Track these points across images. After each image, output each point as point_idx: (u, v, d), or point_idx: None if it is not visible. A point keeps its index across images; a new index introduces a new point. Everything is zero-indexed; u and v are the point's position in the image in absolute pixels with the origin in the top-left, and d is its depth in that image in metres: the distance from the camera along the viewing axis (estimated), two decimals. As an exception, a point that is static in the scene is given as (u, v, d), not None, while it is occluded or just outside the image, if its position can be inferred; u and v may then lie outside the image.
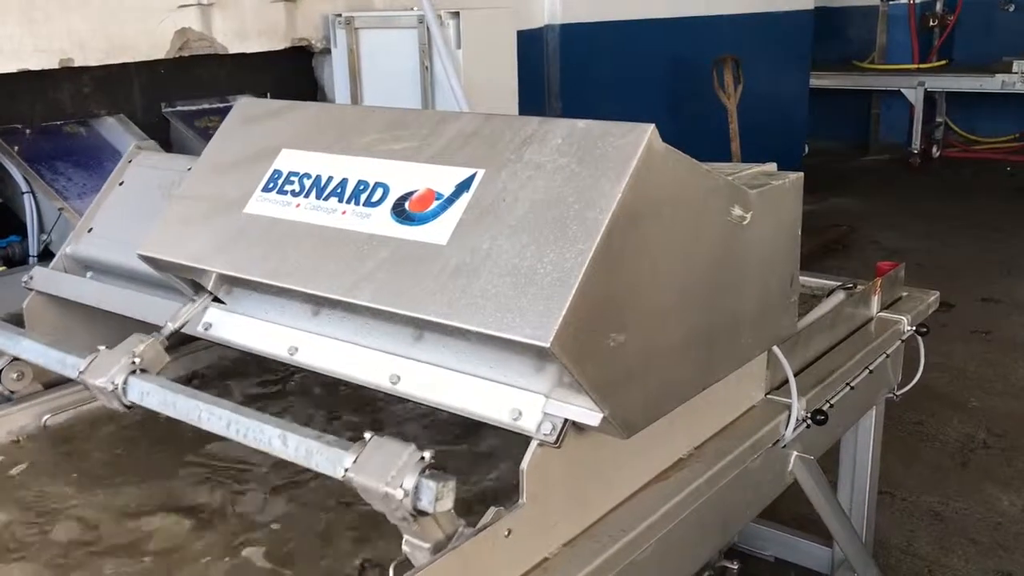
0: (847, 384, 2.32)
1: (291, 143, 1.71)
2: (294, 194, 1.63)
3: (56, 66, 3.31)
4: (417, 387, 1.50)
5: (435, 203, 1.47)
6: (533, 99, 5.36)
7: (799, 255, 1.87)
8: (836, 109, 9.96)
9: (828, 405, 2.21)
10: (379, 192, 1.54)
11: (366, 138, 1.64)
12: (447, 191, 1.47)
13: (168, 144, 3.79)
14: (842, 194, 8.38)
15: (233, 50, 3.84)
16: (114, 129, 3.65)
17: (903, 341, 2.59)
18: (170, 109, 3.82)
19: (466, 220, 1.42)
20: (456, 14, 3.63)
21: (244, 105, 1.87)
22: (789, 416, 2.01)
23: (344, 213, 1.54)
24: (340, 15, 3.96)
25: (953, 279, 6.00)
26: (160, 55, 3.62)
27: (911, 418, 4.06)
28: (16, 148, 3.28)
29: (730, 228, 1.60)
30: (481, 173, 1.46)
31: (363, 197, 1.55)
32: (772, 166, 1.93)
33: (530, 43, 5.26)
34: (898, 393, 2.76)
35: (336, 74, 4.06)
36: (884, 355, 2.50)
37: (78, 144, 3.49)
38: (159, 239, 1.75)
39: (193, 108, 3.90)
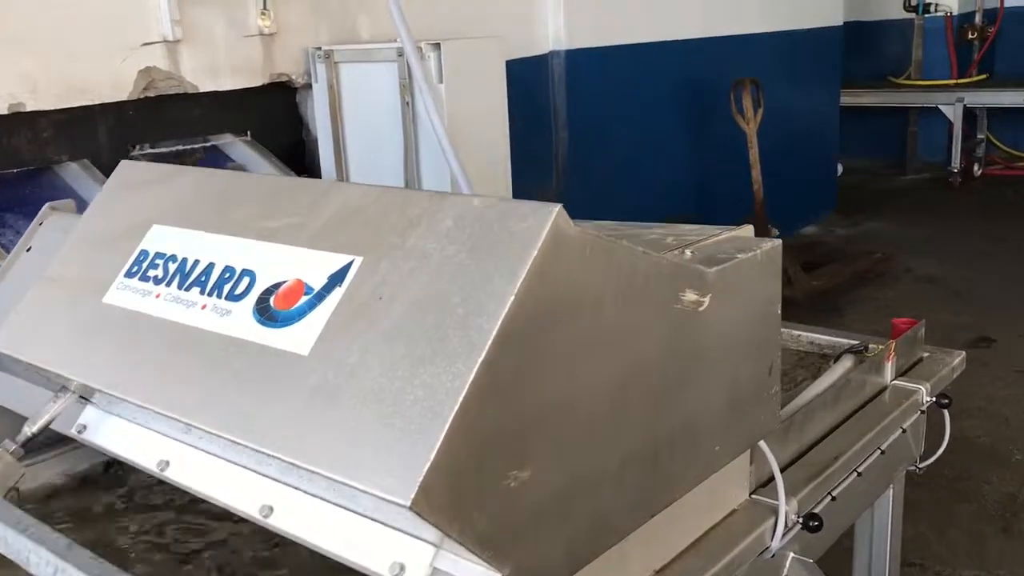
0: (854, 471, 2.00)
1: (164, 217, 1.45)
2: (156, 281, 1.36)
3: (5, 111, 3.10)
4: (291, 522, 1.22)
5: (303, 299, 1.19)
6: (539, 130, 5.09)
7: (779, 337, 1.56)
8: (871, 127, 9.57)
9: (830, 498, 1.90)
10: (244, 282, 1.27)
11: (242, 212, 1.37)
12: (318, 284, 1.19)
13: (137, 189, 3.57)
14: (877, 217, 7.99)
15: (204, 88, 3.62)
16: (78, 176, 3.43)
17: (923, 412, 2.26)
18: (140, 152, 3.60)
19: (335, 323, 1.14)
20: (437, 45, 3.37)
21: (124, 168, 1.61)
22: (777, 521, 1.69)
23: (204, 308, 1.27)
24: (320, 48, 3.72)
25: (995, 310, 5.60)
26: (123, 96, 3.40)
27: (944, 474, 3.69)
28: (-36, 200, 3.08)
29: (681, 317, 1.30)
30: (359, 262, 1.18)
31: (227, 288, 1.28)
32: (748, 229, 1.63)
33: (534, 71, 5.00)
34: (920, 466, 2.43)
35: (317, 111, 3.82)
36: (900, 430, 2.18)
37: (36, 193, 3.27)
38: (14, 330, 1.49)
39: (165, 151, 3.67)
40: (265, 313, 1.21)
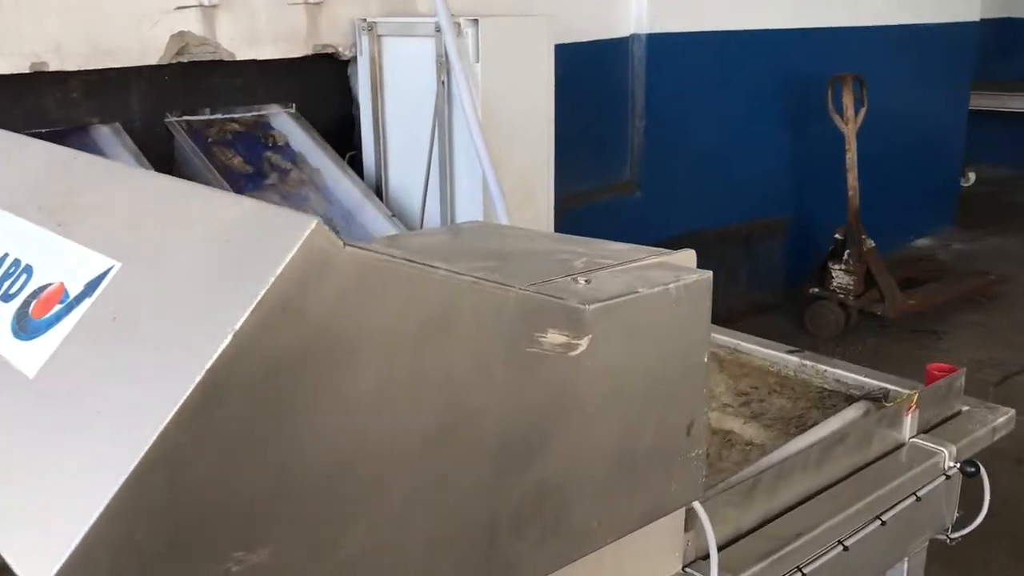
0: (838, 542, 1.68)
1: (-9, 195, 1.27)
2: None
3: (27, 70, 3.04)
4: None
5: (56, 308, 0.99)
6: (613, 117, 4.79)
7: (705, 390, 1.27)
8: (1014, 133, 8.79)
9: (799, 574, 1.60)
10: (21, 279, 1.08)
11: (57, 197, 1.18)
12: (75, 291, 0.99)
13: (171, 159, 3.49)
14: (1002, 232, 7.32)
15: (242, 56, 3.49)
16: (110, 140, 3.36)
17: (948, 476, 1.92)
18: (176, 119, 3.51)
19: (71, 342, 0.94)
20: (475, 21, 3.14)
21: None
22: (709, 604, 1.42)
23: (-22, 308, 1.09)
24: (364, 20, 3.54)
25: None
26: (153, 60, 3.31)
27: (974, 558, 3.22)
28: (-16, 158, 3.03)
29: (539, 363, 1.04)
30: (117, 268, 0.97)
31: (5, 285, 1.09)
32: (686, 256, 1.34)
33: (612, 54, 4.70)
34: (952, 536, 2.08)
35: (360, 86, 3.65)
36: (912, 497, 1.84)
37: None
38: None
39: (202, 119, 3.57)
40: (21, 321, 1.02)
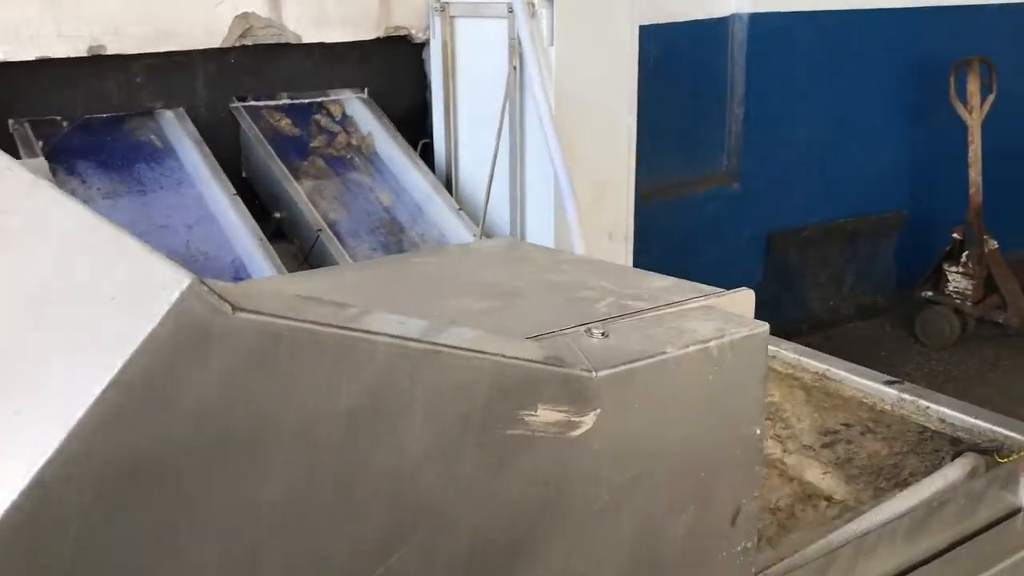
0: (934, 635, 1.40)
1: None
2: None
3: (85, 54, 2.94)
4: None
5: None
6: (709, 103, 4.47)
7: (757, 467, 1.02)
8: None
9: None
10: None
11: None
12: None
13: (236, 146, 3.36)
14: None
15: (309, 39, 3.33)
16: (172, 125, 3.25)
17: (1075, 551, 1.60)
18: (240, 104, 3.37)
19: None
20: (550, 1, 2.89)
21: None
22: None
23: None
24: (438, 0, 3.33)
25: None
26: (216, 43, 3.17)
27: None
28: (42, 143, 2.95)
29: (521, 449, 0.81)
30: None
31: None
32: (743, 298, 1.08)
33: (710, 35, 4.37)
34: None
35: (433, 71, 3.44)
36: (1029, 576, 1.54)
37: (120, 142, 3.11)
38: None
39: (271, 104, 3.43)
40: None
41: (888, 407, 2.01)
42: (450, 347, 0.74)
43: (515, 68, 3.01)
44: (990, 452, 1.66)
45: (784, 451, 1.85)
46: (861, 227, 5.05)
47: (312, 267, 3.01)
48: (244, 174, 3.37)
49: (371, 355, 0.70)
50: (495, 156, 3.02)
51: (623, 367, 0.87)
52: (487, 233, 3.21)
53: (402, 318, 0.74)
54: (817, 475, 1.77)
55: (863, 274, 5.15)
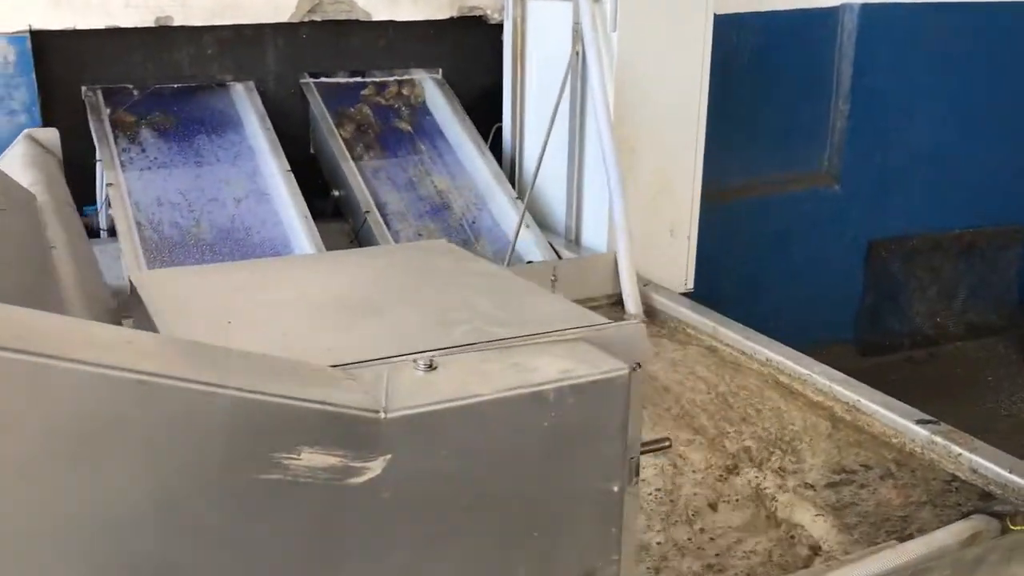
0: None
1: None
2: None
3: (152, 24, 2.98)
4: None
5: None
6: (812, 98, 4.19)
7: (616, 528, 0.88)
8: None
9: None
10: None
11: None
12: None
13: (305, 122, 3.35)
14: None
15: (379, 16, 3.28)
16: (242, 98, 3.27)
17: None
18: (310, 80, 3.36)
19: None
20: (615, -16, 2.74)
21: None
22: None
23: None
24: (512, -20, 3.22)
25: None
26: (284, 17, 3.16)
27: None
28: (110, 111, 3.01)
29: (283, 495, 0.71)
30: None
31: None
32: (633, 331, 0.95)
33: (816, 26, 4.10)
34: None
35: (504, 53, 3.33)
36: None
37: (186, 112, 3.15)
38: None
39: (341, 81, 3.41)
40: None
41: (917, 449, 1.82)
42: (171, 378, 0.65)
43: (577, 53, 2.87)
44: (1004, 516, 1.45)
45: (780, 487, 1.69)
46: (978, 239, 4.66)
47: (359, 245, 2.98)
48: (312, 150, 3.37)
49: (65, 383, 0.62)
50: (544, 144, 2.90)
51: (423, 408, 0.76)
52: (541, 224, 3.10)
53: (141, 342, 0.66)
54: (808, 518, 1.60)
55: (977, 290, 4.76)
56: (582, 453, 0.84)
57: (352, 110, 3.35)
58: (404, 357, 0.84)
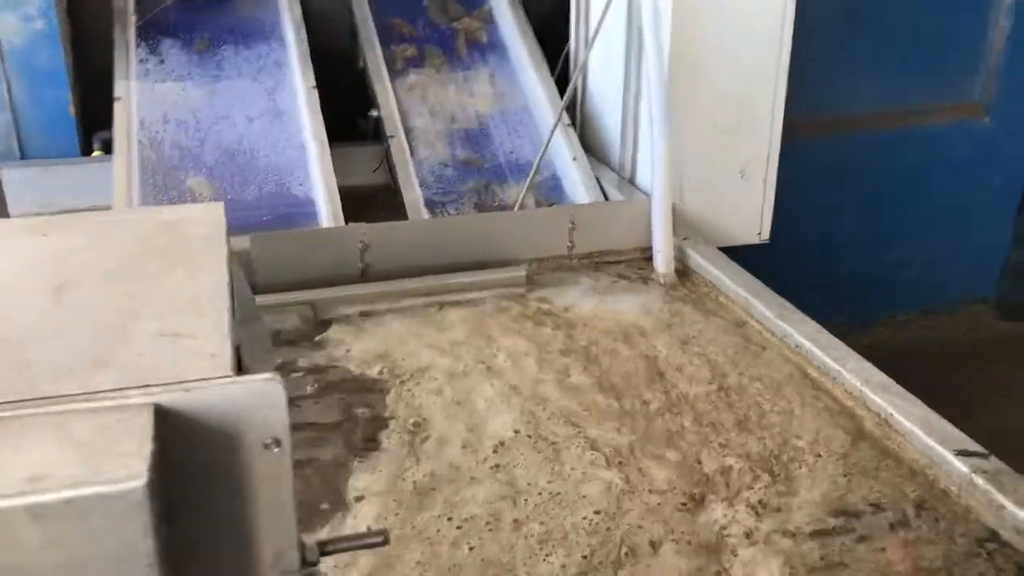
0: None
1: None
2: None
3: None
4: None
5: None
6: (967, 10, 3.51)
7: None
8: None
9: None
10: None
11: None
12: None
13: (353, 33, 3.05)
14: None
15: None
16: (282, 7, 2.99)
17: None
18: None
19: None
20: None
21: None
22: None
23: None
24: None
25: None
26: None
27: None
28: (136, 17, 2.81)
29: None
30: None
31: None
32: (262, 387, 0.60)
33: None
34: None
35: None
36: None
37: (217, 22, 2.90)
38: None
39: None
40: None
41: (953, 488, 1.39)
42: None
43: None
44: None
45: (749, 533, 1.30)
46: None
47: (390, 173, 2.69)
48: (360, 64, 3.07)
49: None
50: (583, 56, 2.47)
51: None
52: (597, 156, 2.71)
53: None
54: (760, 583, 1.21)
55: None
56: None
57: (400, 20, 3.01)
58: None
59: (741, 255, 2.44)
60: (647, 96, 2.33)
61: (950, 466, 1.40)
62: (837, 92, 3.28)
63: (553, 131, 2.49)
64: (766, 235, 2.66)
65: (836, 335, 1.77)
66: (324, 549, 0.68)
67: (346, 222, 2.32)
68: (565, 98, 2.52)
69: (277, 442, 0.61)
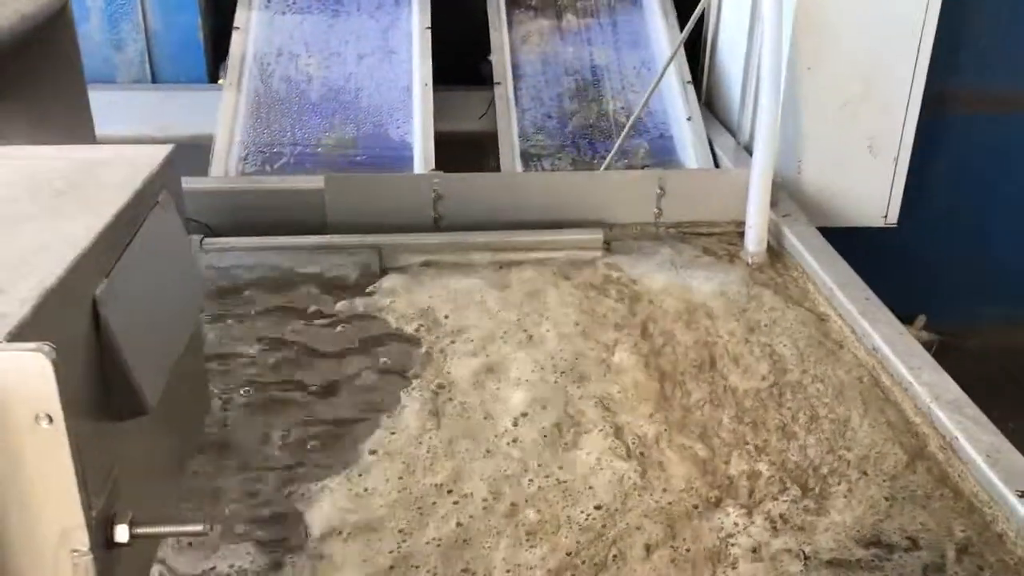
0: None
1: None
2: None
3: None
4: None
5: None
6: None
7: None
8: None
9: None
10: None
11: None
12: None
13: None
14: None
15: None
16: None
17: None
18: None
19: None
20: None
21: None
22: None
23: None
24: None
25: None
26: None
27: None
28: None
29: None
30: None
31: None
32: (22, 361, 0.55)
33: None
34: None
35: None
36: None
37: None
38: None
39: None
40: None
41: (1010, 532, 1.22)
42: None
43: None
44: None
45: (756, 549, 1.19)
46: None
47: (494, 121, 2.61)
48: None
49: None
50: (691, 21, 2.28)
51: None
52: (719, 118, 2.54)
53: None
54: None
55: None
56: None
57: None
58: None
59: (874, 239, 2.23)
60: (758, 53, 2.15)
61: (1010, 507, 1.22)
62: (1004, 63, 2.93)
63: (661, 76, 2.32)
64: (893, 219, 2.42)
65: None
66: (134, 532, 0.63)
67: (441, 168, 2.27)
68: (683, 34, 2.32)
69: (49, 418, 0.56)
